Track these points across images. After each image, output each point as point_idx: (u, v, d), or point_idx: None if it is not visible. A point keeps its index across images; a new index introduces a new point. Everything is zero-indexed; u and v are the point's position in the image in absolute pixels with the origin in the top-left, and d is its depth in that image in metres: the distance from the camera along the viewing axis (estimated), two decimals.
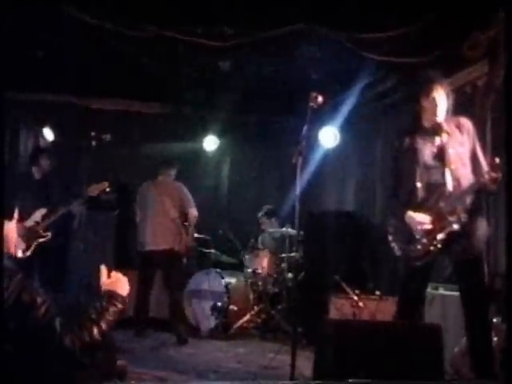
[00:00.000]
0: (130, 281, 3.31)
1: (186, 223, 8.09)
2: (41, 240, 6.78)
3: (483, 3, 6.06)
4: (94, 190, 7.22)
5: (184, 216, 8.10)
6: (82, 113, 9.67)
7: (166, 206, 8.00)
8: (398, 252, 5.00)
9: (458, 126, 4.94)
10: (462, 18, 6.29)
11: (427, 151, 4.94)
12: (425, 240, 4.80)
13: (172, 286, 7.96)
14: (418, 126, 5.07)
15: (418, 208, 4.88)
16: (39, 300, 2.89)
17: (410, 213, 4.86)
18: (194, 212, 8.06)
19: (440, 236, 4.76)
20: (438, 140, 4.93)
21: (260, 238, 9.43)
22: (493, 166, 4.54)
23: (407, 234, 4.90)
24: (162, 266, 8.02)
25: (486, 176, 4.57)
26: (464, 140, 4.89)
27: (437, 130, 4.95)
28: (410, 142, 5.03)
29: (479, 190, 4.78)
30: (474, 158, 4.88)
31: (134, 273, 7.27)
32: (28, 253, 6.47)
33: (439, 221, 4.77)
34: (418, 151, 4.96)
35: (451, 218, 4.73)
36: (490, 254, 6.03)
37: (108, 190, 7.42)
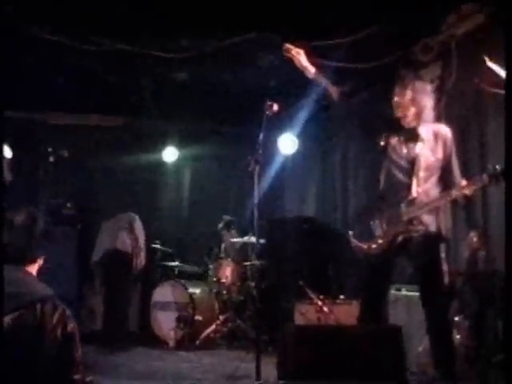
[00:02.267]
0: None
1: None
2: None
3: (434, 8, 6.18)
4: None
5: None
6: (39, 128, 9.59)
7: None
8: (357, 250, 5.05)
9: (435, 134, 4.91)
10: (414, 22, 6.40)
11: (399, 152, 4.97)
12: (381, 240, 4.86)
13: None
14: (398, 124, 5.07)
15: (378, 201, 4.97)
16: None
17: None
18: None
19: (398, 239, 4.83)
20: (411, 145, 4.93)
21: (223, 248, 9.43)
22: (471, 184, 4.52)
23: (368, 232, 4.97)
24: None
25: (457, 191, 4.58)
26: (437, 149, 4.86)
27: (412, 135, 4.96)
28: (388, 139, 5.07)
29: (449, 203, 4.80)
30: (446, 168, 4.85)
31: None
32: None
33: (397, 224, 4.82)
34: (392, 148, 5.01)
35: (410, 227, 4.77)
36: (450, 253, 6.10)
37: (69, 205, 7.39)
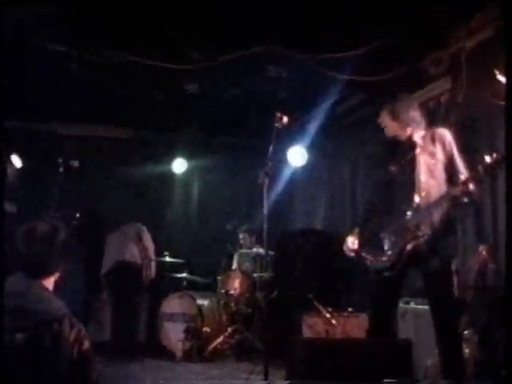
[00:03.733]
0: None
1: None
2: None
3: (445, 21, 6.19)
4: None
5: None
6: (49, 139, 9.62)
7: None
8: (368, 263, 5.05)
9: (432, 137, 4.93)
10: (424, 36, 6.40)
11: (400, 162, 4.99)
12: (390, 252, 4.85)
13: None
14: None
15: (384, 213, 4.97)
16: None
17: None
18: None
19: (407, 248, 4.81)
20: (410, 152, 4.95)
21: (235, 257, 9.41)
22: (469, 178, 4.52)
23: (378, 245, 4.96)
24: None
25: (458, 187, 4.57)
26: (436, 151, 4.86)
27: (408, 143, 4.99)
28: (392, 153, 5.11)
29: (451, 202, 4.72)
30: (449, 169, 4.83)
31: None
32: None
33: (404, 233, 4.81)
34: (394, 162, 5.04)
35: (418, 233, 4.76)
36: (461, 265, 6.08)
37: (77, 216, 7.40)
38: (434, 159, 4.86)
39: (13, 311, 2.85)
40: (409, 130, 5.00)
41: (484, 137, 6.52)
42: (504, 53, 3.75)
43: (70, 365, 2.88)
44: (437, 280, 4.78)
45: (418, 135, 4.99)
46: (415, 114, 5.03)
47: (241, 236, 9.48)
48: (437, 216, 4.75)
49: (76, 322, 2.95)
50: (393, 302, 5.14)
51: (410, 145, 4.99)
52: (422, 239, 4.75)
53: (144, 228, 8.68)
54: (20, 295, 2.93)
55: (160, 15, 6.09)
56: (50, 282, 3.16)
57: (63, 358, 2.87)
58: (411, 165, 4.92)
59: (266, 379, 5.12)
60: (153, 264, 8.62)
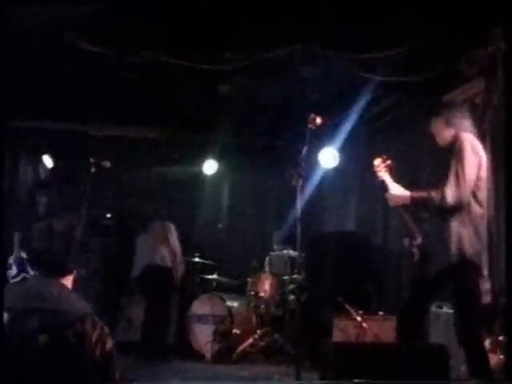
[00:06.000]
0: None
1: None
2: None
3: (479, 20, 6.09)
4: None
5: None
6: (81, 139, 9.67)
7: None
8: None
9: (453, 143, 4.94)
10: (458, 36, 6.32)
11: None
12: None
13: None
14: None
15: None
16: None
17: None
18: None
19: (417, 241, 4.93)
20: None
21: (267, 260, 9.37)
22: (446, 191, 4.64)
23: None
24: None
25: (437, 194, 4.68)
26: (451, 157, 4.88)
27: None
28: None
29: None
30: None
31: None
32: None
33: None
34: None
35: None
36: (494, 270, 6.00)
37: (108, 216, 7.44)
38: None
39: (34, 312, 2.82)
40: (460, 137, 4.94)
41: None
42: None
43: (93, 365, 2.86)
44: (454, 273, 4.79)
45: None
46: (468, 123, 5.01)
47: (274, 246, 9.46)
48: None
49: (98, 321, 2.91)
50: (425, 305, 5.08)
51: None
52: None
53: (171, 226, 8.70)
54: (40, 296, 2.89)
55: (194, 15, 6.07)
56: (69, 281, 3.11)
57: (86, 358, 2.84)
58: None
59: (298, 379, 5.07)
60: (182, 266, 8.64)
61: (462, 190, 4.69)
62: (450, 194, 4.64)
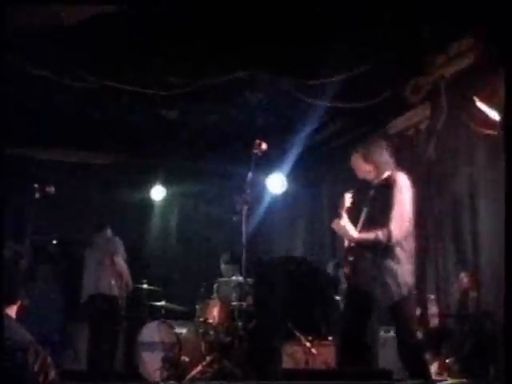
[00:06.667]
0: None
1: None
2: None
3: (423, 48, 6.21)
4: None
5: None
6: (25, 164, 9.50)
7: None
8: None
9: (391, 180, 4.95)
10: (403, 63, 6.42)
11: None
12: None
13: None
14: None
15: None
16: None
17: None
18: None
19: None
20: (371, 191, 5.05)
21: (215, 286, 9.29)
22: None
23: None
24: None
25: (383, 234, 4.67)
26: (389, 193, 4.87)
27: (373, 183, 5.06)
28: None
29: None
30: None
31: None
32: None
33: None
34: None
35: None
36: (441, 294, 6.06)
37: (54, 242, 7.31)
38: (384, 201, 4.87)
39: None
40: (378, 172, 4.99)
41: (463, 164, 6.54)
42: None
43: None
44: (392, 312, 4.81)
45: (384, 176, 5.00)
46: (387, 157, 5.03)
47: (222, 266, 9.39)
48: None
49: (41, 351, 2.85)
50: (362, 327, 5.07)
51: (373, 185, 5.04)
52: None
53: (116, 239, 8.59)
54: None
55: (139, 40, 6.06)
56: (12, 311, 3.06)
57: None
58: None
59: None
60: (130, 283, 8.55)
61: (404, 227, 4.73)
62: (396, 232, 4.66)
